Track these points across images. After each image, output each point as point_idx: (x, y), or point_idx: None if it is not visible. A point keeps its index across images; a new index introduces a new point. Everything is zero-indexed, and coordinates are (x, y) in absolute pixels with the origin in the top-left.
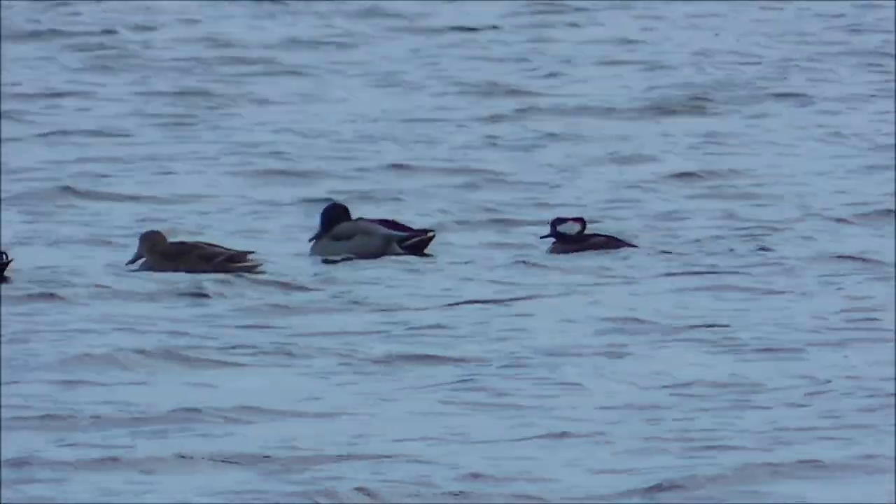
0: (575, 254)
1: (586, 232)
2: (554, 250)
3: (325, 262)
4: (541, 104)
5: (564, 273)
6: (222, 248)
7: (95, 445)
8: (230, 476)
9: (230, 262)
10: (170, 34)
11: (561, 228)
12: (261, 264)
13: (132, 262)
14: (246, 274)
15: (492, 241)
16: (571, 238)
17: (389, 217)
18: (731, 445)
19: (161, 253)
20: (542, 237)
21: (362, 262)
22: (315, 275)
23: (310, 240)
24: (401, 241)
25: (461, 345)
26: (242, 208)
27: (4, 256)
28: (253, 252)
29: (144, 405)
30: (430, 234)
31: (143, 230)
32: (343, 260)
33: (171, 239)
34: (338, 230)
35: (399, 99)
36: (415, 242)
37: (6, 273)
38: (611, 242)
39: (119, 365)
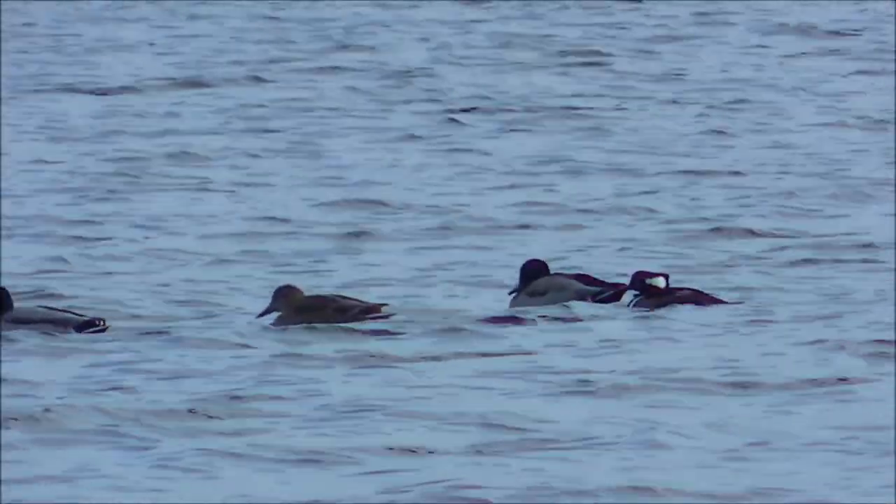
0: (663, 308)
1: (671, 286)
2: (640, 304)
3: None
4: None
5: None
6: (357, 300)
7: None
8: None
9: (364, 314)
10: None
11: (649, 281)
12: (395, 314)
13: (264, 314)
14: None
15: None
16: (658, 291)
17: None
18: None
19: (297, 307)
20: (580, 296)
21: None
22: None
23: (509, 293)
24: (594, 295)
25: None
26: None
27: (101, 323)
28: (387, 304)
29: None
30: (623, 287)
31: (279, 284)
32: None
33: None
34: (534, 286)
35: None
36: (607, 297)
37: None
38: (698, 296)
39: None
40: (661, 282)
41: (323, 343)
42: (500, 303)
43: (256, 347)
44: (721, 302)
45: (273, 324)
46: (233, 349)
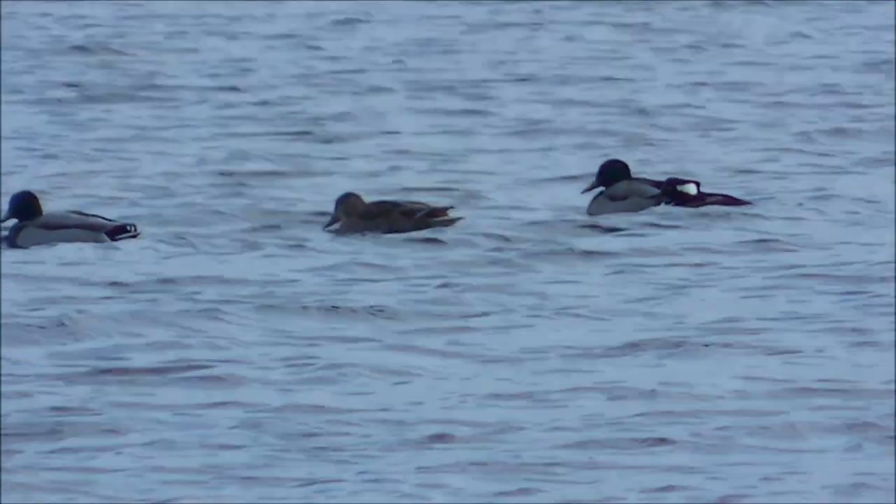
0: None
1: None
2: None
3: None
4: None
5: None
6: (421, 203)
7: None
8: None
9: (430, 218)
10: None
11: (681, 188)
12: (461, 219)
13: (329, 225)
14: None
15: None
16: (690, 197)
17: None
18: None
19: (360, 214)
20: (657, 202)
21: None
22: None
23: (582, 191)
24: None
25: None
26: None
27: (133, 228)
28: (452, 207)
29: None
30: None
31: (340, 194)
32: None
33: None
34: (615, 189)
35: None
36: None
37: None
38: (728, 201)
39: None
40: (692, 188)
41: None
42: None
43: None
44: (750, 204)
45: (338, 232)
46: None
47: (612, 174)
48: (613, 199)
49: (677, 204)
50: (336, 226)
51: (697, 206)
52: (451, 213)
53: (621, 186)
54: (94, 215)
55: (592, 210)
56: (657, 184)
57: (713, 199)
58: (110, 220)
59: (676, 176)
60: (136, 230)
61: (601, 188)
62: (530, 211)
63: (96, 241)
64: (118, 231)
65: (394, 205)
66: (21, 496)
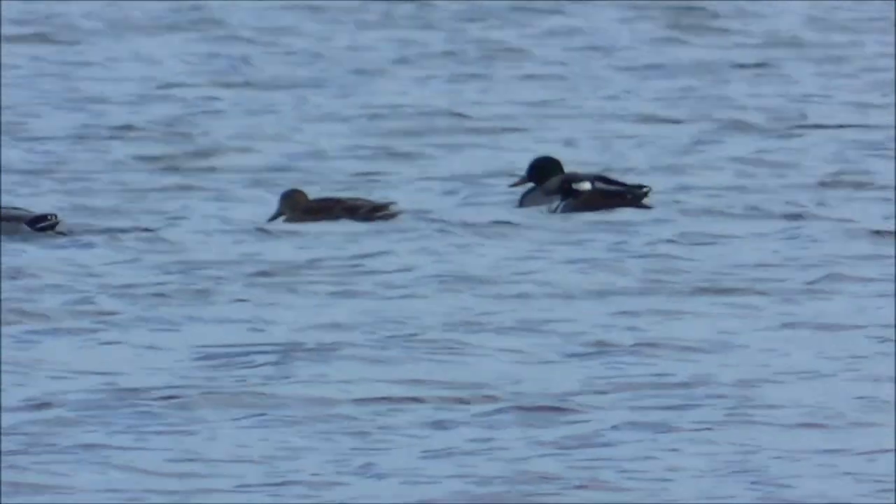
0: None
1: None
2: (566, 208)
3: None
4: None
5: None
6: (364, 199)
7: None
8: None
9: (374, 213)
10: None
11: (576, 186)
12: (403, 212)
13: (273, 219)
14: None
15: None
16: (583, 195)
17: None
18: None
19: (304, 210)
20: (552, 208)
21: None
22: None
23: (511, 185)
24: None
25: None
26: None
27: (53, 217)
28: (395, 202)
29: None
30: (645, 189)
31: (284, 189)
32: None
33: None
34: (550, 184)
35: None
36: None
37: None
38: (626, 199)
39: None
40: (586, 185)
41: None
42: None
43: None
44: (644, 206)
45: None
46: None
47: (544, 170)
48: (548, 193)
49: (572, 201)
50: (280, 220)
51: (594, 204)
52: (393, 209)
53: (555, 181)
54: (14, 208)
55: (526, 203)
56: (596, 177)
57: (612, 200)
58: (29, 211)
59: (576, 172)
60: (56, 219)
61: (531, 184)
62: None
63: (17, 232)
64: (38, 220)
65: (336, 201)
66: None
